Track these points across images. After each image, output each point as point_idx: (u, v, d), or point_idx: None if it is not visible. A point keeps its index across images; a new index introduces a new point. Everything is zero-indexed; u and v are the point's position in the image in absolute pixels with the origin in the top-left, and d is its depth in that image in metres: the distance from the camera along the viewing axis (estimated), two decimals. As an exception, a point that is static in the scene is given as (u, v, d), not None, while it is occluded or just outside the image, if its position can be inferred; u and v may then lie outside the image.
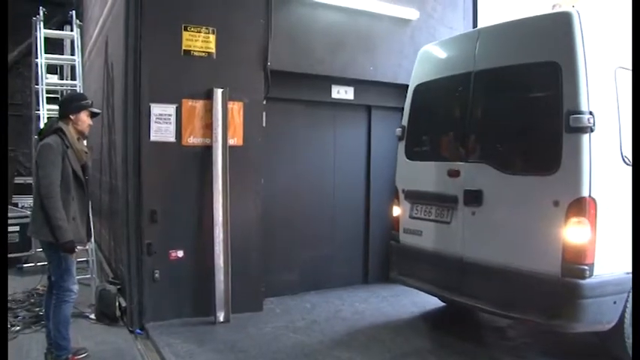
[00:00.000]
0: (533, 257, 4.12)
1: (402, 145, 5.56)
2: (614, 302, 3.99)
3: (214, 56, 5.49)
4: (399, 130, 5.59)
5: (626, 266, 3.85)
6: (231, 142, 5.53)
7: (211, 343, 4.88)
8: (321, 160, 6.66)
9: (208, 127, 5.46)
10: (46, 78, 6.96)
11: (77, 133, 4.38)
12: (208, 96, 5.44)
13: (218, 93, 5.45)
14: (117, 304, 5.49)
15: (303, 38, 6.07)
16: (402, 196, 5.47)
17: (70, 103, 4.50)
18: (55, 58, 7.98)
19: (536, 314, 4.05)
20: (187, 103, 5.40)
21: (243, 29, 5.65)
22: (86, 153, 4.43)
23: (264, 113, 5.81)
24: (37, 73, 7.01)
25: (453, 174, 4.79)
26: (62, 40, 9.34)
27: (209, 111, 5.44)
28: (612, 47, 4.20)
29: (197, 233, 5.47)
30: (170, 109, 5.32)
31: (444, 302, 5.88)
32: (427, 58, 5.48)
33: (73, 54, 7.77)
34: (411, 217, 5.33)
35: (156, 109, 5.26)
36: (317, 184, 6.61)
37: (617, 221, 3.98)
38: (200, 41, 5.42)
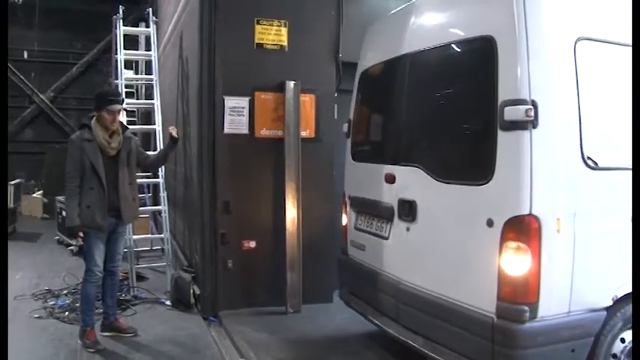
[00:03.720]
0: (467, 291, 3.28)
1: (348, 144, 4.89)
2: (572, 350, 3.07)
3: (286, 49, 5.54)
4: (345, 126, 4.93)
5: (593, 302, 3.11)
6: (303, 134, 5.57)
7: (282, 332, 4.95)
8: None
9: (280, 120, 5.51)
10: (124, 73, 7.22)
11: (103, 127, 4.58)
12: (281, 88, 5.49)
13: (290, 85, 5.49)
14: (191, 291, 5.65)
15: (374, 29, 6.01)
16: (348, 202, 4.78)
17: (95, 101, 4.71)
18: (134, 54, 8.25)
19: None
20: (260, 96, 5.47)
21: (314, 22, 5.67)
22: (109, 144, 4.57)
23: (335, 105, 5.81)
24: (117, 68, 7.28)
25: (389, 179, 4.01)
26: (137, 36, 9.67)
27: (281, 103, 5.49)
28: (572, 12, 3.19)
29: (269, 224, 5.53)
30: (243, 101, 5.41)
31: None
32: (372, 39, 4.64)
33: (147, 49, 8.02)
34: (355, 227, 4.61)
35: (229, 101, 5.37)
36: (387, 177, 6.54)
37: (578, 244, 3.06)
38: (272, 34, 5.48)
